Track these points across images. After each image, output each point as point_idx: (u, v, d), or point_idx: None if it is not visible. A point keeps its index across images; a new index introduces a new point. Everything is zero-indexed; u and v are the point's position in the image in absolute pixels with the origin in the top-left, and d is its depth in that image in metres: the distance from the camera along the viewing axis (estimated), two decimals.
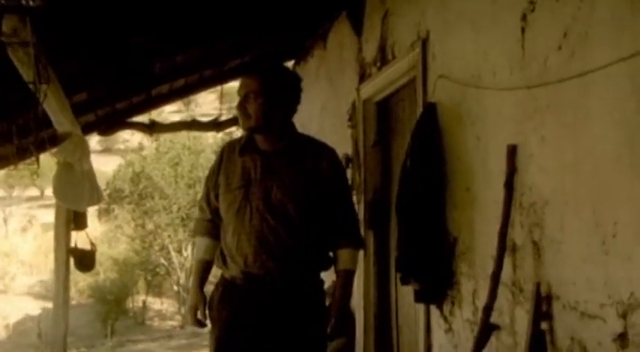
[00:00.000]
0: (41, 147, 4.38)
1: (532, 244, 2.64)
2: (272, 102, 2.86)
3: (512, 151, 2.74)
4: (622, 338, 2.14)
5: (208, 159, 19.94)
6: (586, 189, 2.32)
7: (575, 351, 2.38)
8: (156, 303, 24.73)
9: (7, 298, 25.68)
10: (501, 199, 2.77)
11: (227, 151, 3.04)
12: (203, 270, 3.03)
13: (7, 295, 26.17)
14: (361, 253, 3.78)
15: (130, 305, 23.43)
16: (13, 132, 4.13)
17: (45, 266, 26.71)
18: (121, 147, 35.02)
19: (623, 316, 2.13)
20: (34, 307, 23.56)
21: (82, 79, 4.51)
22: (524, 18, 2.74)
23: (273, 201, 2.83)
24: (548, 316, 2.52)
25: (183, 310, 21.09)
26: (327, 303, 3.01)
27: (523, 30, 2.74)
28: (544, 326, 2.52)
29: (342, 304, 2.89)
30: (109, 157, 30.52)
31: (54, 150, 4.84)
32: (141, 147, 22.02)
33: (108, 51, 3.95)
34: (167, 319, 23.47)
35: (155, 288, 24.41)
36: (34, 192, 34.92)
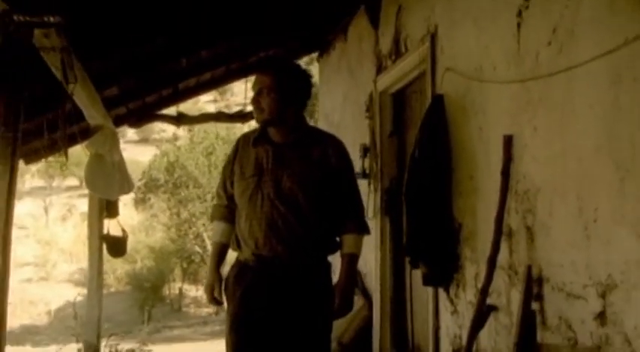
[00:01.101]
0: (71, 140, 4.62)
1: (525, 229, 2.80)
2: (284, 98, 3.06)
3: (508, 141, 2.89)
4: (601, 316, 2.29)
5: None
6: (571, 178, 2.47)
7: (562, 329, 2.53)
8: (192, 290, 25.12)
9: (48, 285, 26.33)
10: (499, 186, 2.93)
11: (242, 142, 3.25)
12: (219, 252, 3.26)
13: (49, 282, 26.82)
14: (373, 240, 3.97)
15: (167, 292, 23.82)
16: (44, 127, 4.37)
17: (84, 254, 27.25)
18: (157, 137, 35.51)
19: (602, 296, 2.29)
20: (74, 294, 24.13)
21: (112, 76, 4.74)
22: (519, 14, 2.88)
23: (283, 189, 3.03)
24: (539, 297, 2.67)
25: (206, 298, 21.42)
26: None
27: (519, 26, 2.89)
28: (535, 306, 2.68)
29: (345, 285, 3.10)
30: (145, 147, 31.01)
31: (86, 142, 5.10)
32: (175, 138, 22.38)
33: (136, 50, 4.16)
34: (203, 306, 23.81)
35: (191, 276, 24.79)
36: (73, 181, 35.61)
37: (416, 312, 4.45)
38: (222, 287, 3.15)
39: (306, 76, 3.19)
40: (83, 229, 28.50)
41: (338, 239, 3.15)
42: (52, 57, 2.76)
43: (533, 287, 2.68)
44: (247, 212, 3.07)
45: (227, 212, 3.24)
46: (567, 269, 2.50)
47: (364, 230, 3.18)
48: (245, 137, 3.28)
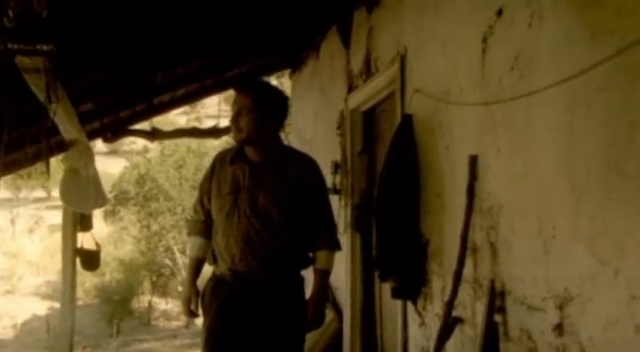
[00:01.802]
0: (50, 154, 4.69)
1: (489, 245, 2.94)
2: (262, 118, 3.19)
3: (473, 161, 3.04)
4: (559, 327, 2.44)
5: None
6: (531, 197, 2.62)
7: (523, 340, 2.67)
8: (161, 303, 25.04)
9: (14, 298, 26.04)
10: (464, 204, 3.07)
11: (219, 160, 3.38)
12: (196, 267, 3.39)
13: (15, 295, 26.53)
14: (344, 254, 4.10)
15: (136, 305, 23.73)
16: (24, 140, 4.45)
17: (51, 267, 27.05)
18: (127, 149, 35.36)
19: (560, 308, 2.43)
20: (41, 307, 23.91)
21: (88, 91, 4.82)
22: (484, 40, 3.04)
23: (259, 207, 3.15)
24: (502, 309, 2.81)
25: (182, 311, 21.39)
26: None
27: (484, 51, 3.04)
28: (498, 318, 2.82)
29: (317, 299, 3.25)
30: (115, 159, 30.88)
31: (61, 156, 5.16)
32: (146, 150, 22.38)
33: (112, 66, 4.26)
34: (172, 319, 23.76)
35: (160, 289, 24.73)
36: (40, 193, 35.29)
37: (385, 324, 4.57)
38: (199, 301, 3.26)
39: (283, 98, 3.33)
40: (50, 241, 28.27)
41: (311, 254, 3.27)
42: (34, 78, 2.84)
43: (496, 300, 2.82)
44: (224, 228, 3.18)
45: (204, 227, 3.35)
46: (528, 283, 2.64)
47: (336, 246, 3.32)
48: (222, 155, 3.40)
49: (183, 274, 21.15)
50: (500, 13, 2.91)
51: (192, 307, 3.28)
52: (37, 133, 4.56)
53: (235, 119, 3.21)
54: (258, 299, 3.14)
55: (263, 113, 3.19)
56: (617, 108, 2.15)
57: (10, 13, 2.17)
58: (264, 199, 3.16)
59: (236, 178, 3.23)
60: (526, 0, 2.69)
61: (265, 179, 3.21)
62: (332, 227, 3.36)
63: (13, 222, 33.21)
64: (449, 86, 3.40)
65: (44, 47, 2.36)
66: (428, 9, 3.70)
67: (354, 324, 4.89)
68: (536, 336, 2.59)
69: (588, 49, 2.29)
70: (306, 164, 3.32)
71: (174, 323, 22.95)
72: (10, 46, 2.31)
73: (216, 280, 3.26)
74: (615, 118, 2.15)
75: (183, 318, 22.07)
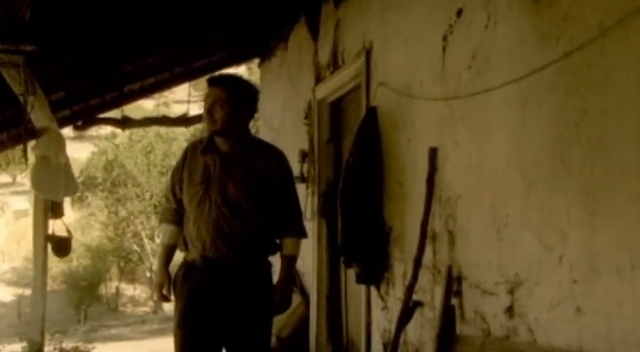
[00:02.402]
0: (17, 140, 4.78)
1: (447, 232, 3.11)
2: (236, 111, 3.34)
3: (433, 153, 3.20)
4: (510, 310, 2.62)
5: (181, 147, 20.26)
6: (486, 187, 2.79)
7: (477, 322, 2.85)
8: (129, 289, 25.02)
9: None
10: (425, 193, 3.24)
11: (190, 150, 3.51)
12: (168, 253, 3.52)
13: None
14: (311, 240, 4.27)
15: (103, 291, 23.69)
16: None
17: (17, 253, 26.84)
18: (94, 134, 35.07)
19: (511, 292, 2.61)
20: (6, 293, 23.75)
21: (59, 80, 4.90)
22: (445, 38, 3.19)
23: (229, 196, 3.29)
24: (458, 293, 2.99)
25: (155, 296, 21.44)
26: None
27: (444, 48, 3.20)
28: (455, 302, 2.99)
29: (284, 284, 3.42)
30: (81, 144, 30.61)
31: (32, 144, 5.23)
32: (114, 135, 22.24)
33: (83, 57, 4.35)
34: (140, 305, 23.79)
35: (128, 275, 24.71)
36: (6, 178, 34.86)
37: (350, 309, 4.74)
38: (171, 286, 3.39)
39: (255, 91, 3.48)
40: (16, 227, 28.01)
41: (278, 241, 3.42)
42: (11, 72, 2.94)
43: (453, 284, 3.00)
44: (195, 216, 3.31)
45: (175, 215, 3.48)
46: (482, 268, 2.82)
47: (302, 234, 3.49)
48: (193, 145, 3.53)
49: (152, 260, 21.20)
50: (459, 13, 3.07)
51: (165, 292, 3.42)
52: (8, 120, 4.64)
53: (210, 111, 3.33)
54: (227, 283, 3.28)
55: (236, 106, 3.33)
56: (563, 106, 2.32)
57: None
58: (233, 188, 3.30)
59: (207, 168, 3.36)
60: (483, 2, 2.85)
61: (235, 169, 3.34)
62: (298, 215, 3.51)
63: None
64: (411, 81, 3.56)
65: (27, 48, 2.46)
66: (392, 6, 3.85)
67: (320, 308, 5.05)
68: (489, 318, 2.77)
69: (538, 51, 2.46)
70: (274, 155, 3.47)
71: (142, 309, 22.98)
72: None
73: (187, 266, 3.39)
74: (562, 116, 2.33)
75: (151, 304, 22.13)
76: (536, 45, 2.49)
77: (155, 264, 20.94)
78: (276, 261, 3.50)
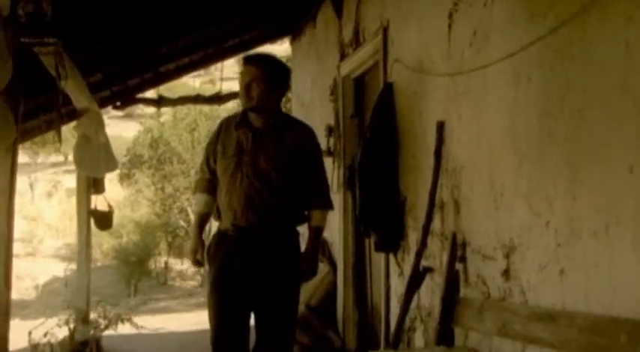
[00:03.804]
0: (62, 122, 5.06)
1: (453, 202, 3.28)
2: (271, 88, 3.56)
3: (440, 126, 3.37)
4: (506, 273, 2.79)
5: None
6: (485, 159, 2.96)
7: (479, 285, 3.03)
8: (177, 264, 25.55)
9: (35, 260, 26.66)
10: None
11: (225, 125, 3.73)
12: (201, 221, 3.76)
13: (36, 257, 27.14)
14: (337, 212, 4.48)
15: (153, 266, 24.21)
16: (38, 110, 4.81)
17: (70, 230, 27.56)
18: (140, 112, 35.68)
19: (507, 256, 2.78)
20: (61, 268, 24.48)
21: (97, 63, 5.16)
22: (450, 16, 3.34)
23: (259, 168, 3.51)
24: (463, 259, 3.17)
25: (202, 270, 21.94)
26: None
27: (449, 27, 3.35)
28: (460, 266, 3.17)
29: (311, 253, 3.64)
30: (128, 123, 31.22)
31: (74, 123, 5.53)
32: (159, 114, 22.68)
33: (120, 41, 4.60)
34: (188, 279, 24.28)
35: (176, 249, 25.21)
36: (58, 158, 35.74)
37: (374, 276, 4.95)
38: (204, 252, 3.62)
39: (288, 70, 3.72)
40: (69, 205, 28.76)
41: (306, 213, 3.64)
42: (48, 59, 3.20)
43: (458, 251, 3.17)
44: (227, 187, 3.54)
45: (209, 185, 3.70)
46: (482, 234, 2.99)
47: (329, 206, 3.72)
48: (227, 120, 3.75)
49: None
50: None
51: (199, 257, 3.65)
52: (49, 103, 4.92)
53: (246, 88, 3.54)
54: (257, 251, 3.50)
55: (271, 84, 3.55)
56: (550, 82, 2.47)
57: (22, 12, 2.53)
58: (264, 162, 3.51)
59: (240, 142, 3.57)
60: None
61: (266, 144, 3.55)
62: (325, 188, 3.72)
63: (31, 186, 33.75)
64: (422, 57, 3.71)
65: (50, 40, 2.70)
66: None
67: (346, 277, 5.26)
68: (489, 281, 2.95)
69: (527, 28, 2.61)
70: (303, 131, 3.70)
71: (190, 283, 23.46)
72: (22, 39, 2.68)
73: (220, 235, 3.63)
74: (548, 90, 2.48)
75: (199, 278, 22.62)
76: (525, 22, 2.63)
77: None
78: (303, 230, 3.71)
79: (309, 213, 3.67)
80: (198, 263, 3.69)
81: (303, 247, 3.68)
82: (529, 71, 2.61)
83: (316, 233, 3.68)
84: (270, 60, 3.71)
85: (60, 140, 3.79)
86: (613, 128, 2.11)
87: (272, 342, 3.55)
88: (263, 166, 3.51)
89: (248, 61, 3.63)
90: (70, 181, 32.69)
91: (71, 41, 3.39)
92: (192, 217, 21.36)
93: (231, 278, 3.53)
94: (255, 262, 3.50)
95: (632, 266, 1.97)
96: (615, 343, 1.98)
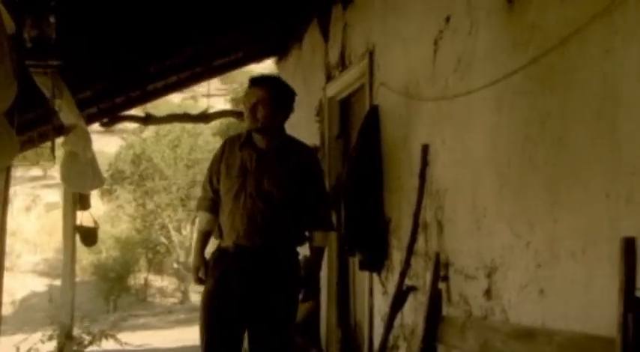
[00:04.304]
0: (54, 137, 5.13)
1: (437, 223, 3.38)
2: (276, 110, 3.60)
3: (425, 149, 3.47)
4: (488, 292, 2.89)
5: (206, 141, 20.66)
6: (468, 182, 3.06)
7: (461, 304, 3.12)
8: (157, 281, 25.46)
9: (13, 275, 26.35)
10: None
11: (228, 144, 3.76)
12: (203, 239, 3.77)
13: (13, 272, 26.83)
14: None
15: (132, 282, 24.11)
16: (28, 125, 4.87)
17: (48, 245, 27.44)
18: (122, 127, 35.61)
19: (488, 276, 2.88)
20: (39, 284, 24.36)
21: (85, 81, 5.23)
22: (435, 43, 3.46)
23: (263, 189, 3.55)
24: (446, 278, 3.26)
25: (183, 287, 21.89)
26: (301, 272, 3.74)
27: (435, 52, 3.47)
28: (443, 286, 3.26)
29: (314, 273, 3.72)
30: (110, 138, 31.14)
31: (61, 140, 5.59)
32: (141, 130, 22.65)
33: (107, 62, 4.68)
34: (168, 296, 24.21)
35: (156, 266, 25.12)
36: (37, 172, 35.52)
37: (357, 295, 5.03)
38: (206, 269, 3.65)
39: (292, 93, 3.74)
40: (47, 220, 28.56)
41: (307, 234, 3.69)
42: (42, 79, 3.28)
43: (441, 270, 3.26)
44: (231, 207, 3.56)
45: (212, 204, 3.72)
46: (465, 255, 3.09)
47: (330, 227, 3.79)
48: (231, 140, 3.79)
49: (179, 251, 21.62)
50: (448, 19, 3.33)
51: (201, 275, 3.67)
52: (38, 119, 4.99)
53: (252, 110, 3.57)
54: (257, 269, 3.52)
55: (277, 106, 3.60)
56: (531, 109, 2.59)
57: (27, 37, 2.60)
58: (268, 182, 3.56)
59: (244, 163, 3.61)
60: (467, 10, 3.11)
61: (270, 165, 3.59)
62: (327, 209, 3.79)
63: (10, 200, 33.44)
64: (407, 82, 3.82)
65: (54, 63, 2.78)
66: (392, 10, 4.11)
67: (330, 295, 5.33)
68: (471, 300, 3.04)
69: (510, 57, 2.72)
70: (306, 153, 3.77)
71: (170, 300, 23.39)
72: (27, 62, 2.75)
73: (220, 251, 3.65)
74: (529, 118, 2.59)
75: (179, 295, 22.56)
76: (508, 51, 2.75)
77: (182, 255, 21.52)
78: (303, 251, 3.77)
79: (311, 234, 3.70)
80: (200, 280, 3.69)
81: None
82: (511, 98, 2.72)
83: (319, 253, 3.74)
84: (276, 82, 3.77)
85: (54, 155, 3.85)
86: (590, 154, 2.22)
87: None
88: (266, 187, 3.55)
89: (255, 83, 3.66)
90: (50, 196, 32.52)
91: (65, 61, 3.47)
92: (173, 234, 21.37)
93: (227, 294, 3.53)
94: (254, 280, 3.52)
95: (607, 286, 2.07)
96: None
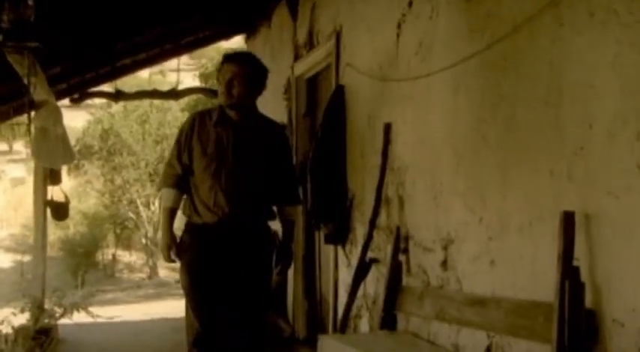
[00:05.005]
0: (19, 111, 5.19)
1: (398, 198, 3.56)
2: (251, 87, 3.70)
3: (387, 128, 3.63)
4: (444, 264, 3.07)
5: (175, 117, 20.64)
6: (427, 160, 3.23)
7: (419, 275, 3.31)
8: (125, 256, 25.51)
9: None
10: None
11: (198, 120, 3.77)
12: (171, 216, 3.78)
13: None
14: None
15: (100, 257, 24.13)
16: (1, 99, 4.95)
17: (15, 221, 27.29)
18: (90, 102, 35.29)
19: (445, 248, 3.06)
20: (5, 260, 24.27)
21: (55, 58, 5.29)
22: (399, 26, 3.60)
23: (244, 165, 3.65)
24: (406, 251, 3.44)
25: (151, 262, 21.97)
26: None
27: (398, 36, 3.61)
28: (403, 258, 3.45)
29: (287, 245, 3.88)
30: (77, 112, 30.89)
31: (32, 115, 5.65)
32: (109, 104, 22.54)
33: (77, 40, 4.76)
34: (136, 271, 24.28)
35: (124, 241, 25.16)
36: (2, 147, 35.14)
37: (323, 267, 5.21)
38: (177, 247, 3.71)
39: (266, 70, 3.83)
40: (13, 195, 28.35)
41: (277, 208, 3.83)
42: (16, 58, 3.36)
43: (401, 243, 3.44)
44: (211, 184, 3.62)
45: (179, 180, 3.75)
46: (424, 229, 3.27)
47: (299, 201, 3.99)
48: (201, 116, 3.80)
49: (147, 227, 21.67)
50: (410, 4, 3.47)
51: (173, 253, 3.71)
52: (12, 93, 5.06)
53: (227, 86, 3.62)
54: (236, 244, 3.64)
55: (252, 82, 3.69)
56: (485, 92, 2.75)
57: (6, 19, 2.69)
58: (247, 159, 3.66)
59: (220, 139, 3.67)
60: None
61: (247, 141, 3.68)
62: (296, 184, 3.96)
63: None
64: (372, 63, 3.97)
65: (32, 44, 2.87)
66: None
67: (296, 268, 5.49)
68: (429, 271, 3.23)
69: (468, 43, 2.88)
70: (277, 130, 3.93)
71: (138, 275, 23.46)
72: (9, 44, 2.84)
73: (197, 227, 3.69)
74: (484, 100, 2.76)
75: (147, 270, 22.64)
76: (466, 37, 2.91)
77: (151, 230, 21.56)
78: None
79: (282, 208, 3.84)
80: (171, 259, 3.74)
81: None
82: (467, 81, 2.89)
83: (291, 226, 3.91)
84: (251, 58, 3.84)
85: (30, 131, 3.93)
86: (537, 135, 2.39)
87: (247, 328, 3.68)
88: (246, 163, 3.64)
89: (230, 59, 3.71)
90: (15, 171, 32.25)
91: (41, 41, 3.55)
92: (141, 209, 21.39)
93: (214, 269, 3.62)
94: (240, 254, 3.64)
95: (551, 257, 2.25)
96: (535, 323, 2.27)
